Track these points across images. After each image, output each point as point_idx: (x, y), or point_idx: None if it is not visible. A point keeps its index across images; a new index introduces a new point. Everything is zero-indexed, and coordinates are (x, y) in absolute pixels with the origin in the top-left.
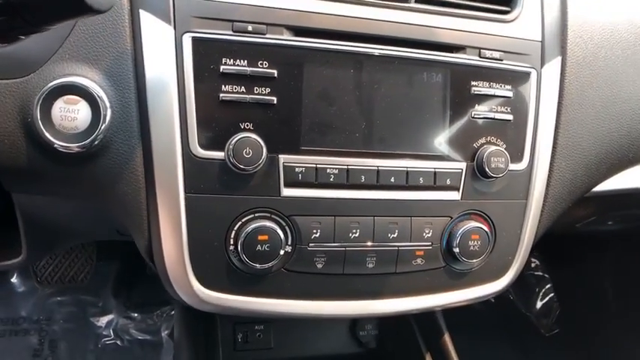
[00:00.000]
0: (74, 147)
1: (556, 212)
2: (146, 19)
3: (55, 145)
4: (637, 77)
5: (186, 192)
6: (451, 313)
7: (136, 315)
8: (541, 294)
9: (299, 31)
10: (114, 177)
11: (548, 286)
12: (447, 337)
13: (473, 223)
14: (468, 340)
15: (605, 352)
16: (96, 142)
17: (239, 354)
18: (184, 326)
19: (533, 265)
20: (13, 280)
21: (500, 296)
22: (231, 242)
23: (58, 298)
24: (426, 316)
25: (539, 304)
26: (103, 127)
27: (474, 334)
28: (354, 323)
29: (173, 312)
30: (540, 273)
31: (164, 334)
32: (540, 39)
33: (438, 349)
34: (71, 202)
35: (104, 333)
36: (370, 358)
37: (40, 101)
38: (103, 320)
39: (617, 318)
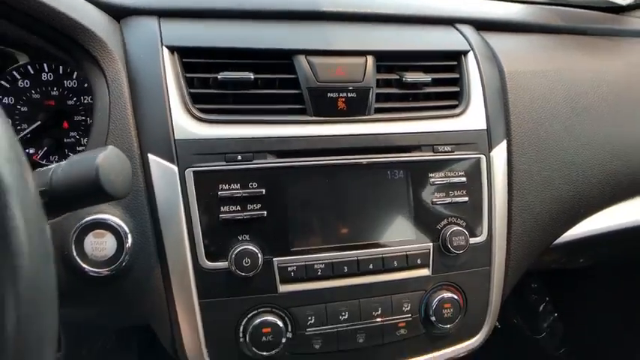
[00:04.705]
0: (104, 271)
1: (520, 271)
2: (154, 161)
3: (88, 272)
4: (578, 146)
5: (199, 299)
6: None
7: None
8: (544, 315)
9: (280, 154)
10: (139, 292)
11: (550, 306)
12: None
13: (445, 294)
14: None
15: None
16: (122, 266)
17: None
18: None
19: (533, 286)
20: None
21: (505, 322)
22: (241, 335)
23: None
24: None
25: (543, 325)
26: (126, 254)
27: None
28: None
29: None
30: (541, 295)
31: None
32: (486, 127)
33: None
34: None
35: None
36: None
37: (74, 237)
38: None
39: (619, 332)
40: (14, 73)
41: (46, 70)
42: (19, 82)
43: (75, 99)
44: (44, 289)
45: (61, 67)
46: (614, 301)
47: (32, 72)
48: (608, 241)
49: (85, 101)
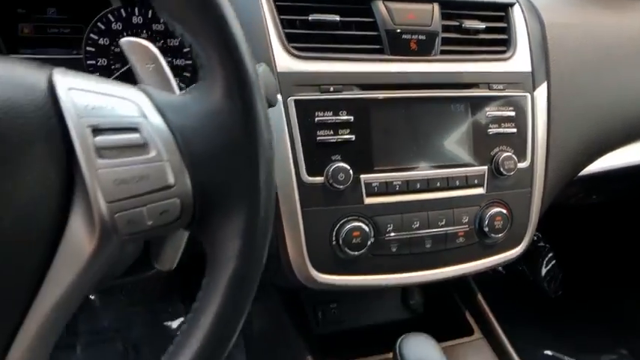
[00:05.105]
0: None
1: (553, 194)
2: None
3: None
4: (602, 92)
5: (301, 208)
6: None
7: None
8: (545, 262)
9: (364, 87)
10: None
11: (551, 254)
12: (480, 297)
13: (496, 209)
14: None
15: (604, 306)
16: None
17: (320, 328)
18: (273, 316)
19: (535, 238)
20: (92, 297)
21: (511, 268)
22: (334, 239)
23: (133, 309)
24: (461, 283)
25: (544, 271)
26: None
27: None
28: (405, 295)
29: None
30: (542, 244)
31: None
32: (530, 70)
33: (473, 307)
34: None
35: (178, 334)
36: (420, 321)
37: None
38: (175, 323)
39: (611, 276)
40: (109, 16)
41: (137, 13)
42: (113, 25)
43: (162, 41)
44: (273, 159)
45: (150, 11)
46: (607, 249)
47: (124, 15)
48: (621, 177)
49: (172, 43)
